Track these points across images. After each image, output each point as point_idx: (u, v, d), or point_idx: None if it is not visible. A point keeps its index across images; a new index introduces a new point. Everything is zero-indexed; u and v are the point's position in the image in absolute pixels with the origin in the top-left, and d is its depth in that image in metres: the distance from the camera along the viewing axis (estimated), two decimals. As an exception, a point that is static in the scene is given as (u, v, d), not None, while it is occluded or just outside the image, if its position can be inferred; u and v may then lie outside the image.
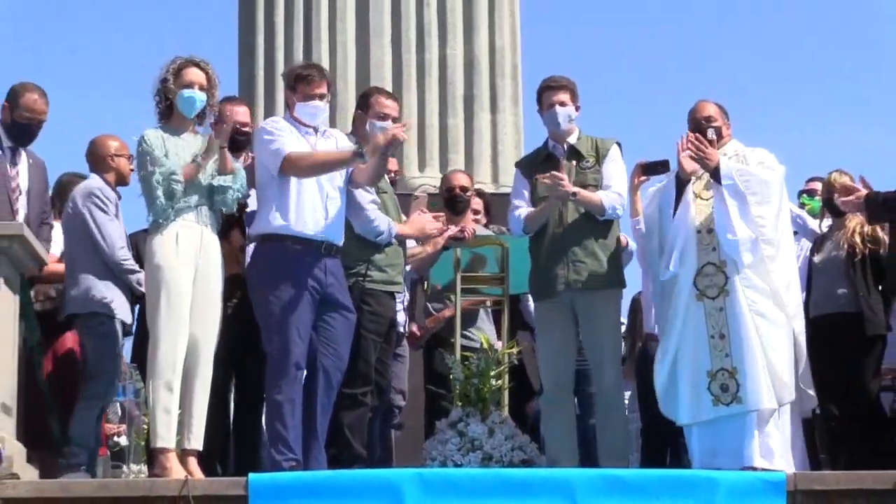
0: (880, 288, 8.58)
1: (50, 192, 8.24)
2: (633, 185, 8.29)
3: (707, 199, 7.65)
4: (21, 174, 7.93)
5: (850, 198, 7.78)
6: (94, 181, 7.69)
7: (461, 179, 9.44)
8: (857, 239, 8.47)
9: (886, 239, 8.58)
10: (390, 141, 7.33)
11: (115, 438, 14.07)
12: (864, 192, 7.69)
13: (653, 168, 8.14)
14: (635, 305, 9.98)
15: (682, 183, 7.69)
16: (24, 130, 7.93)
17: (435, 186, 11.21)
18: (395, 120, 7.95)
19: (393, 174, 8.67)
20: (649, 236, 8.11)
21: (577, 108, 8.05)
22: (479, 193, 9.82)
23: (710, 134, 7.72)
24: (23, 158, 7.94)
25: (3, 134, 7.90)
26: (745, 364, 7.38)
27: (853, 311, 8.47)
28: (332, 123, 10.35)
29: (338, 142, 7.69)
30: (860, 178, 7.97)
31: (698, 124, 7.82)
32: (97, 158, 7.79)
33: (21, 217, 7.75)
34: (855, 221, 8.54)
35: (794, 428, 7.71)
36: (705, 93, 12.92)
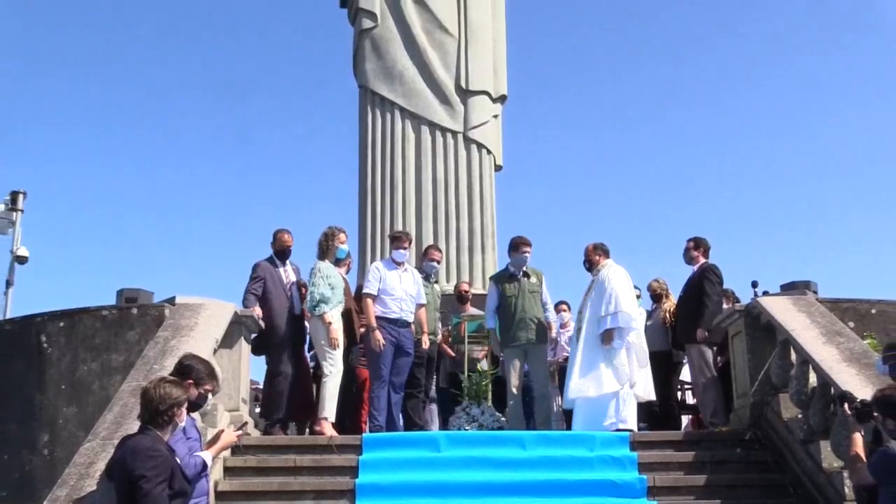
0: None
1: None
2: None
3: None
4: (288, 276, 7.62)
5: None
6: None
7: (465, 286, 9.38)
8: (667, 315, 8.32)
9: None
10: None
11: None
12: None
13: None
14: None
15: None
16: (282, 254, 7.67)
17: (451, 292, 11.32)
18: (438, 261, 8.12)
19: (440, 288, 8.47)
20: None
21: (530, 253, 7.93)
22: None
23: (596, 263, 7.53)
24: (287, 267, 7.68)
25: (274, 256, 7.64)
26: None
27: (665, 350, 8.36)
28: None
29: (413, 274, 7.64)
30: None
31: (587, 262, 7.63)
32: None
33: (295, 300, 7.50)
34: (667, 305, 8.34)
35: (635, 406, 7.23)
36: (593, 235, 12.90)
